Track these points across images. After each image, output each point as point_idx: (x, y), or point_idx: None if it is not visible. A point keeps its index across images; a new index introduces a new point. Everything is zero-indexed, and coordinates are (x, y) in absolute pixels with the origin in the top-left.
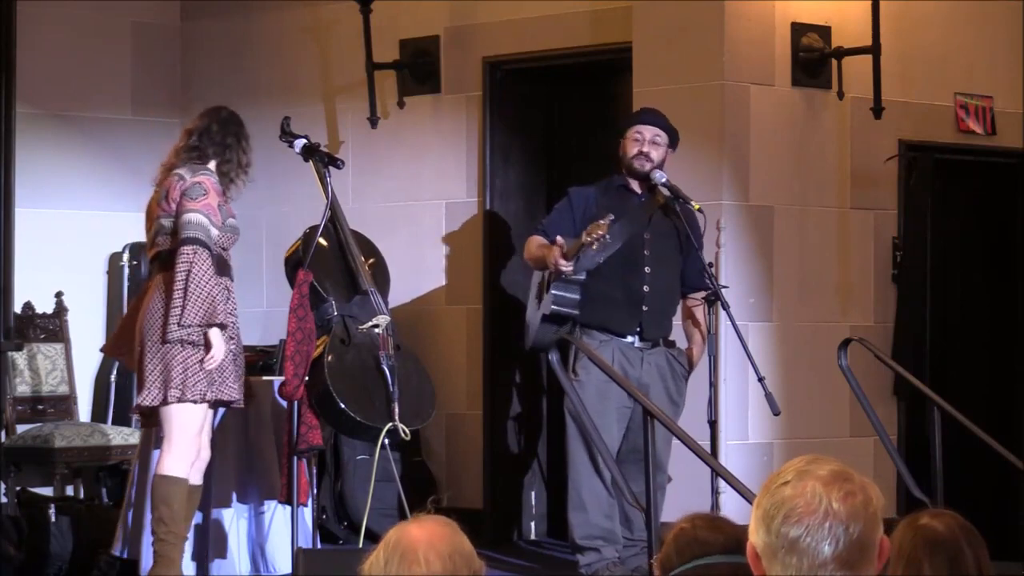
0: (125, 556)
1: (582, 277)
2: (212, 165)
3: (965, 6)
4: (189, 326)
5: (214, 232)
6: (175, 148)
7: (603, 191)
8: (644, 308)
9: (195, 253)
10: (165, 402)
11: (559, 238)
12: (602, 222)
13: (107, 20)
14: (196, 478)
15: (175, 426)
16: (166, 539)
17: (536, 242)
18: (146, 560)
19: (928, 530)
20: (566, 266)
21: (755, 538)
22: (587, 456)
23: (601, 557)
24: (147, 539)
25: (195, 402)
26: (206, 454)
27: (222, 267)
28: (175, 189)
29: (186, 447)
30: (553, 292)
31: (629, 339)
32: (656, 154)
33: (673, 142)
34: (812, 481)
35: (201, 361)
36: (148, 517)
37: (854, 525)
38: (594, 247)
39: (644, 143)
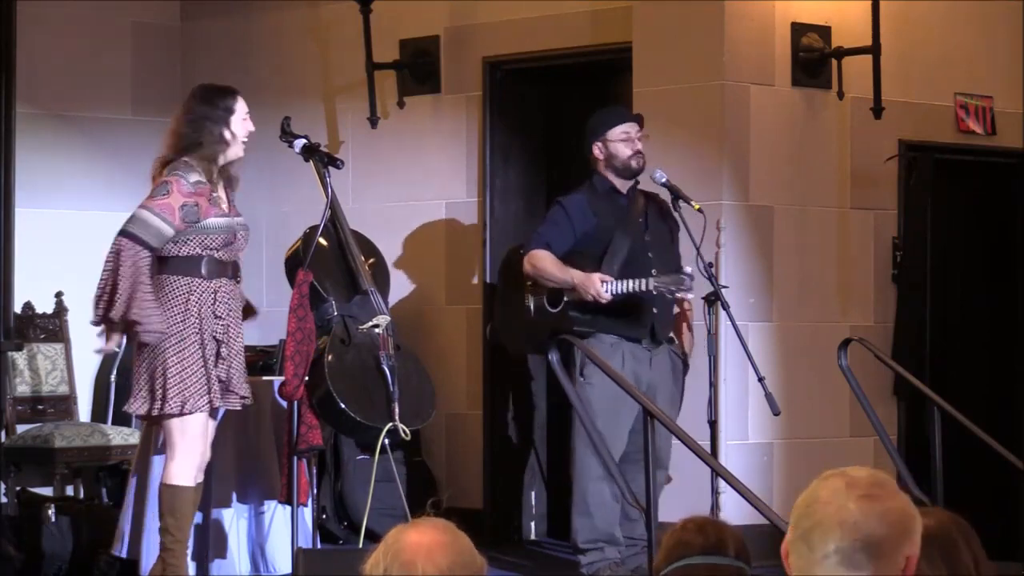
0: (125, 556)
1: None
2: (194, 157)
3: (965, 6)
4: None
5: (166, 230)
6: (159, 159)
7: (592, 196)
8: (655, 311)
9: (119, 244)
10: (149, 413)
11: (600, 275)
12: (683, 276)
13: (107, 20)
14: (197, 476)
15: (176, 433)
16: (173, 548)
17: (550, 259)
18: (146, 561)
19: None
20: (608, 300)
21: (788, 534)
22: (595, 459)
23: (603, 556)
24: (146, 539)
25: (174, 414)
26: (206, 454)
27: (212, 269)
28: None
29: (188, 454)
30: (572, 314)
31: (641, 341)
32: (643, 148)
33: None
34: (839, 480)
35: (179, 372)
36: (148, 517)
37: (866, 526)
38: (653, 293)
39: (634, 141)
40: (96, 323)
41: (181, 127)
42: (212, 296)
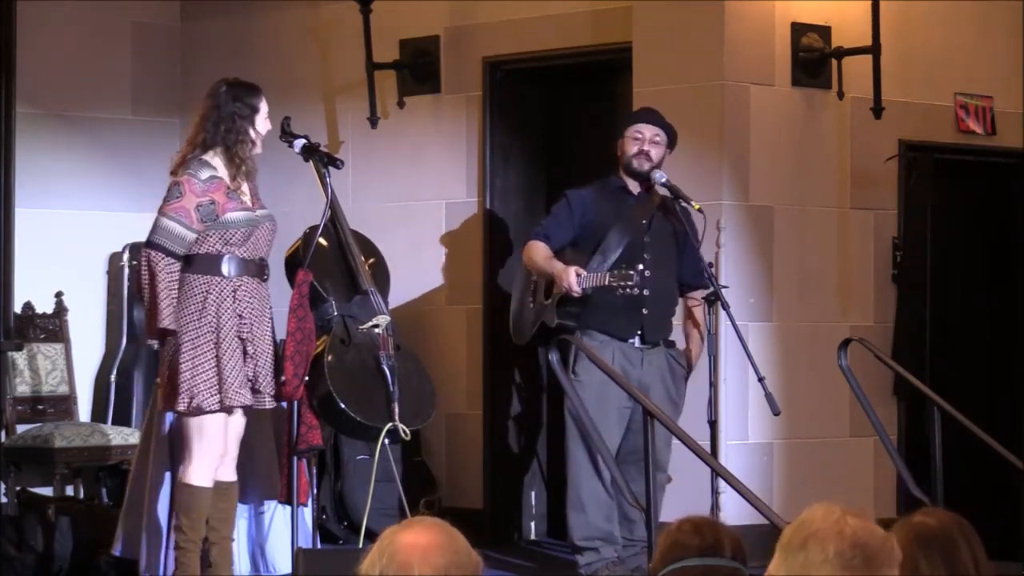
0: (125, 556)
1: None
2: (217, 153)
3: (965, 6)
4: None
5: (188, 235)
6: (180, 153)
7: (600, 193)
8: (644, 311)
9: (150, 257)
10: (170, 409)
11: (576, 268)
12: (632, 272)
13: (107, 20)
14: (228, 475)
15: (193, 434)
16: (185, 547)
17: (542, 251)
18: (145, 560)
19: (921, 527)
20: (579, 293)
21: (773, 562)
22: (587, 457)
23: (600, 557)
24: (145, 539)
25: (182, 411)
26: (233, 452)
27: (233, 267)
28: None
29: (206, 454)
30: (557, 309)
31: (629, 340)
32: (656, 153)
33: (672, 142)
34: (831, 505)
35: (190, 370)
36: (147, 517)
37: (863, 534)
38: (617, 292)
39: (644, 142)
40: (153, 339)
41: (208, 123)
42: (232, 294)
